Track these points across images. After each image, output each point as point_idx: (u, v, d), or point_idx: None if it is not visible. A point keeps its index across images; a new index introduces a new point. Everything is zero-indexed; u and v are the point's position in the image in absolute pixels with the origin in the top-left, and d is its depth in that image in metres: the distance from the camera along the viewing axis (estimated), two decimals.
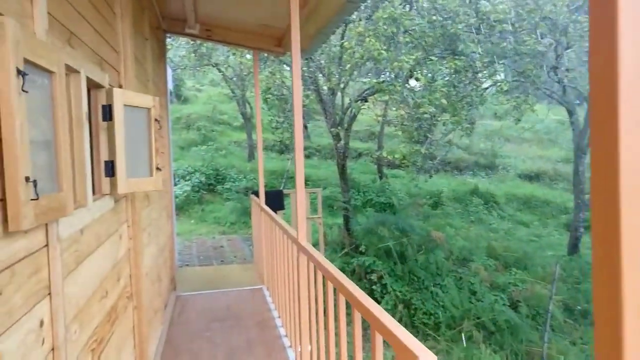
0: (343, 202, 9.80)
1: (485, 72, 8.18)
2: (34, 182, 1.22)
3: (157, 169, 2.73)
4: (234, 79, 14.01)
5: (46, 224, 1.43)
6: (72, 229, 1.68)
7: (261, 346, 3.79)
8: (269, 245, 4.86)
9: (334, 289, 2.34)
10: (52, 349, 1.44)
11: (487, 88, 8.80)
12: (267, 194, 6.03)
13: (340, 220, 10.16)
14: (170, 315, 4.52)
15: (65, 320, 1.56)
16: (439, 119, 8.00)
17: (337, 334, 2.23)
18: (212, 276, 6.33)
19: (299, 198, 3.17)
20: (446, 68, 8.42)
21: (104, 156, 2.28)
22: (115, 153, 2.28)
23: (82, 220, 1.82)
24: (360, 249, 8.88)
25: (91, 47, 2.12)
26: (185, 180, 12.20)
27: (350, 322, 2.07)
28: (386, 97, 7.45)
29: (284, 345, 3.79)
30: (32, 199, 1.21)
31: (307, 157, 15.84)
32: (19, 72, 1.18)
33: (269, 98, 9.41)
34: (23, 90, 1.19)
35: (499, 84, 8.73)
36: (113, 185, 2.30)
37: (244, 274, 6.32)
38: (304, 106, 9.15)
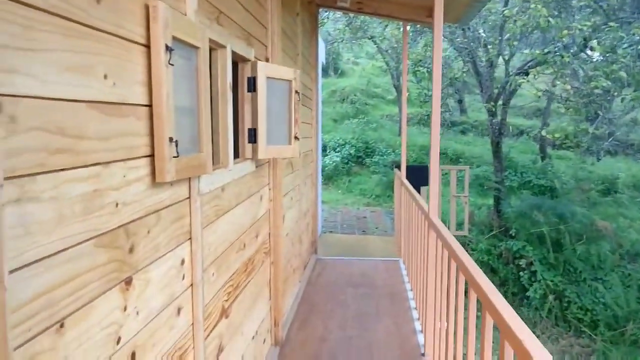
0: (495, 181, 9.27)
1: None
2: (176, 142, 1.44)
3: (296, 137, 2.93)
4: (389, 51, 13.95)
5: (189, 179, 1.68)
6: (212, 185, 1.93)
7: (390, 315, 3.88)
8: (406, 219, 4.88)
9: (456, 268, 2.30)
10: (191, 285, 1.70)
11: None
12: (409, 168, 6.00)
13: (490, 201, 9.65)
14: (309, 275, 4.85)
15: (203, 263, 1.82)
16: (615, 94, 7.01)
17: (466, 318, 2.17)
18: (352, 244, 6.58)
19: (433, 173, 3.13)
20: (632, 34, 7.29)
21: (248, 124, 2.53)
22: (257, 121, 2.51)
23: (222, 179, 2.07)
24: (510, 232, 8.36)
25: (239, 23, 2.35)
26: (336, 152, 12.67)
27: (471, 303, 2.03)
28: (550, 70, 6.73)
29: (412, 318, 3.83)
30: (174, 157, 1.43)
31: (462, 132, 15.20)
32: (167, 48, 1.39)
33: (418, 71, 9.21)
34: (170, 64, 1.40)
35: None
36: (254, 151, 2.54)
37: (383, 246, 6.44)
38: (456, 79, 8.77)
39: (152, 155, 1.39)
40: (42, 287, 0.92)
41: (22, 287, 0.87)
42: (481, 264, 7.60)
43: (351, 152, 12.61)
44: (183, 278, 1.64)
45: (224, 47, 2.04)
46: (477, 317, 1.94)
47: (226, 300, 2.15)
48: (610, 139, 8.12)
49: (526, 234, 7.71)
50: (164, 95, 1.38)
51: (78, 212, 1.04)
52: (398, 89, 14.72)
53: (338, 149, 12.83)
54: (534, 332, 1.56)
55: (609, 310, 6.61)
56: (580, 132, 7.10)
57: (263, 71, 2.53)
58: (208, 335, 1.89)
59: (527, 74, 7.52)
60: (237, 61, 2.44)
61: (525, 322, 1.44)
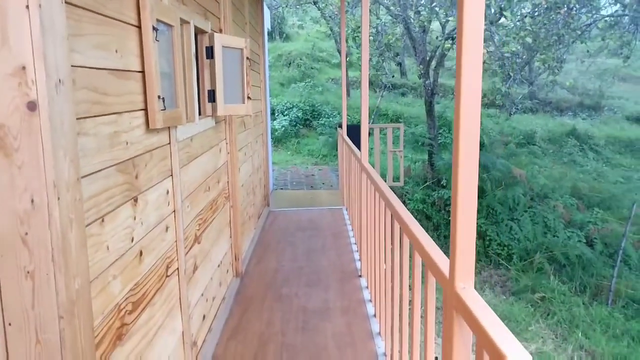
0: (429, 138, 10.09)
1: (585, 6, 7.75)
2: (163, 99, 1.93)
3: (248, 97, 3.42)
4: (332, 17, 14.33)
5: (169, 128, 2.17)
6: (184, 135, 2.42)
7: (333, 250, 4.54)
8: (347, 170, 5.51)
9: (379, 198, 2.92)
10: (174, 211, 2.22)
11: (590, 24, 8.33)
12: (350, 127, 6.61)
13: (425, 156, 10.51)
14: (263, 224, 5.43)
15: (181, 196, 2.33)
16: (523, 57, 7.85)
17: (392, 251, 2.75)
18: (301, 198, 7.19)
19: (363, 128, 3.73)
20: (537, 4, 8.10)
21: (208, 86, 3.00)
22: (215, 84, 2.99)
23: (191, 131, 2.56)
24: (442, 182, 9.25)
25: (198, 1, 2.79)
26: (284, 115, 13.11)
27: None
28: None
29: (352, 251, 4.50)
30: (161, 110, 1.92)
31: (402, 95, 15.98)
32: (153, 28, 1.85)
33: (357, 37, 9.73)
34: (156, 40, 1.87)
35: (604, 18, 8.22)
36: (214, 109, 3.03)
37: (329, 198, 7.09)
38: (390, 44, 9.36)
39: (145, 109, 1.87)
40: (93, 192, 1.43)
41: (85, 188, 1.37)
42: (417, 212, 8.44)
43: (299, 115, 13.10)
44: (168, 204, 2.15)
45: (188, 23, 2.50)
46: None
47: (198, 230, 2.68)
48: (530, 98, 9.05)
49: None
50: (153, 64, 1.86)
51: (106, 145, 1.54)
52: (342, 53, 15.20)
53: (286, 112, 13.27)
54: None
55: (521, 244, 7.65)
56: (494, 91, 7.92)
57: (219, 41, 2.99)
58: (187, 253, 2.42)
59: (453, 38, 8.22)
60: (197, 33, 2.89)
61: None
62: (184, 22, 2.44)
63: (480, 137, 9.46)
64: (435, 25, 10.07)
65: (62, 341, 1.19)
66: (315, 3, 13.52)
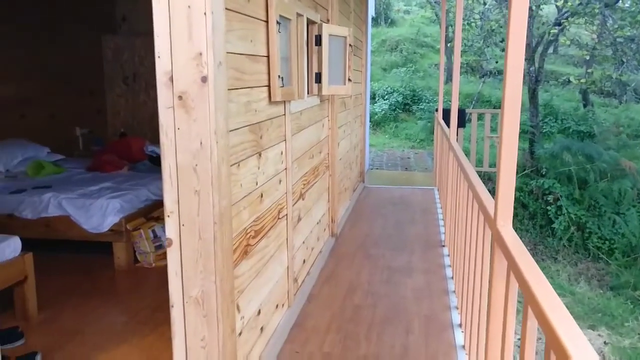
0: (530, 126, 9.87)
1: None
2: (282, 78, 2.46)
3: (349, 80, 3.90)
4: (438, 2, 14.27)
5: (284, 102, 2.71)
6: (296, 109, 2.96)
7: (421, 223, 4.91)
8: (440, 151, 5.80)
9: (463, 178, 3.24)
10: (285, 168, 2.77)
11: None
12: (445, 111, 6.83)
13: (525, 144, 10.29)
14: (357, 197, 5.92)
15: (291, 157, 2.87)
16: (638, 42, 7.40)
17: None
18: (395, 178, 7.57)
19: (453, 111, 4.05)
20: None
21: (315, 69, 3.51)
22: (321, 67, 3.49)
23: (301, 106, 3.10)
24: (541, 171, 9.07)
25: None
26: (384, 99, 13.44)
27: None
28: (581, 20, 7.19)
29: (439, 225, 4.84)
30: (280, 87, 2.45)
31: None
32: (277, 22, 2.38)
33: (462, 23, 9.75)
34: (279, 32, 2.40)
35: None
36: (319, 89, 3.54)
37: (422, 179, 7.39)
38: (492, 30, 9.25)
39: (269, 85, 2.42)
40: (234, 143, 1.99)
41: (230, 139, 1.93)
42: (514, 200, 8.37)
43: (399, 99, 13.35)
44: (282, 163, 2.70)
45: (302, 16, 3.01)
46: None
47: (303, 188, 3.22)
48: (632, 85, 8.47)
49: (555, 173, 8.41)
50: (276, 50, 2.39)
51: (243, 111, 2.09)
52: (447, 38, 15.09)
53: (386, 96, 13.58)
54: (555, 259, 2.32)
55: (625, 239, 7.33)
56: (605, 78, 7.58)
57: (326, 31, 3.48)
58: (293, 205, 2.97)
59: (560, 24, 7.97)
60: (308, 24, 3.40)
61: (549, 250, 2.37)
62: (299, 15, 2.95)
63: (589, 125, 9.12)
64: (544, 10, 9.74)
65: (214, 240, 1.76)
66: None
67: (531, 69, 9.10)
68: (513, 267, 1.44)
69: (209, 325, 1.79)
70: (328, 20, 3.91)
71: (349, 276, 3.60)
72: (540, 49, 9.21)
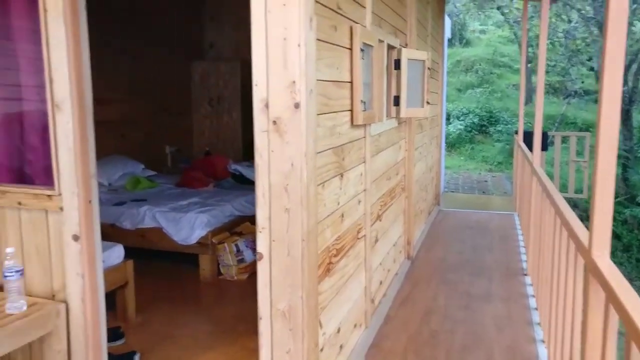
0: (623, 150, 9.27)
1: None
2: (364, 102, 2.56)
3: (427, 102, 3.93)
4: (517, 21, 13.91)
5: (365, 125, 2.80)
6: (375, 131, 3.05)
7: (500, 249, 4.77)
8: (520, 175, 5.62)
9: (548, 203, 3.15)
10: (364, 190, 2.85)
11: None
12: (526, 134, 6.62)
13: (618, 170, 9.65)
14: (433, 219, 5.86)
15: (370, 179, 2.95)
16: None
17: None
18: (471, 201, 7.40)
19: (536, 133, 3.95)
20: None
21: (393, 92, 3.59)
22: (400, 90, 3.56)
23: (380, 128, 3.18)
24: (636, 199, 8.46)
25: (390, 23, 3.40)
26: (459, 120, 13.21)
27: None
28: None
29: (520, 252, 4.67)
30: (362, 111, 2.55)
31: (594, 102, 14.67)
32: (360, 49, 2.49)
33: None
34: (362, 59, 2.51)
35: None
36: (398, 112, 3.61)
37: (501, 203, 7.17)
38: (578, 50, 8.85)
39: (351, 110, 2.52)
40: (320, 164, 2.10)
41: (317, 161, 2.05)
42: None
43: (474, 120, 13.07)
44: (361, 184, 2.79)
45: (382, 42, 3.12)
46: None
47: (380, 209, 3.28)
48: None
49: None
50: (359, 76, 2.50)
51: (328, 134, 2.21)
52: (526, 58, 14.62)
53: (462, 117, 13.35)
54: None
55: None
56: None
57: (405, 55, 3.56)
58: (371, 225, 3.04)
59: None
60: (388, 49, 3.50)
61: None
62: (380, 41, 3.06)
63: None
64: (637, 27, 9.21)
65: (302, 256, 1.87)
66: (498, 8, 13.32)
67: (624, 88, 8.58)
68: (612, 299, 1.39)
69: (295, 338, 1.88)
70: (406, 45, 3.99)
71: (426, 300, 3.58)
72: (634, 67, 8.69)
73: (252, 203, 4.49)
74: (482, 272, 4.14)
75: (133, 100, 5.86)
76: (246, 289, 3.65)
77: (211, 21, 7.09)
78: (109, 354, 2.41)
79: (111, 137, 5.54)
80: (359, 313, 2.77)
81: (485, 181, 9.53)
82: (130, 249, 3.55)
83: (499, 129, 12.69)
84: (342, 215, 2.44)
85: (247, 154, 6.63)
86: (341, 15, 2.29)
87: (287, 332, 1.90)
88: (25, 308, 2.19)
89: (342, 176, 2.41)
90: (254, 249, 3.96)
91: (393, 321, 3.23)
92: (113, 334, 2.77)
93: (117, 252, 3.00)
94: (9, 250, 2.18)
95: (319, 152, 2.07)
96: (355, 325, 2.71)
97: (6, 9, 2.38)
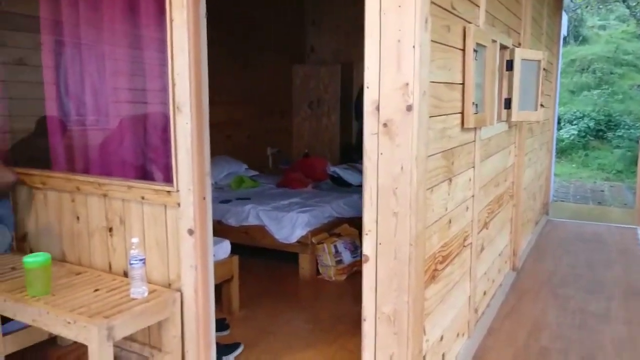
0: None
1: None
2: (476, 105, 2.46)
3: (541, 105, 3.68)
4: None
5: (475, 129, 2.68)
6: (485, 135, 2.91)
7: (619, 265, 4.34)
8: None
9: None
10: (472, 196, 2.73)
11: None
12: None
13: None
14: (540, 230, 5.48)
15: (477, 184, 2.82)
16: None
17: None
18: (584, 212, 6.82)
19: None
20: None
21: (504, 94, 3.40)
22: (512, 93, 3.37)
23: (490, 132, 3.03)
24: None
25: (503, 21, 3.23)
26: (572, 125, 12.24)
27: None
28: None
29: None
30: (474, 113, 2.45)
31: None
32: (474, 50, 2.40)
33: None
34: (475, 59, 2.41)
35: None
36: (508, 115, 3.41)
37: (620, 216, 6.52)
38: None
39: (462, 112, 2.43)
40: (429, 168, 2.04)
41: (429, 164, 1.99)
42: None
43: (590, 125, 12.03)
44: (469, 190, 2.67)
45: (495, 42, 2.97)
46: None
47: (487, 217, 3.13)
48: None
49: None
50: (471, 77, 2.40)
51: (438, 137, 2.14)
52: None
53: (575, 121, 12.36)
54: None
55: None
56: None
57: (518, 55, 3.36)
58: (478, 233, 2.90)
59: None
60: (500, 49, 3.33)
61: None
62: (493, 41, 2.92)
63: None
64: None
65: (409, 260, 1.83)
66: (624, 1, 12.16)
67: None
68: None
69: (399, 342, 1.85)
70: (519, 44, 3.77)
71: (533, 314, 3.35)
72: None
73: (351, 206, 4.51)
74: (599, 290, 3.79)
75: (239, 103, 6.16)
76: (344, 290, 3.67)
77: (312, 25, 7.25)
78: (216, 343, 2.54)
79: (218, 138, 5.86)
80: (462, 322, 2.67)
81: (602, 191, 8.72)
82: (234, 244, 3.73)
83: (620, 134, 11.54)
84: (450, 222, 2.36)
85: (345, 156, 6.68)
86: (455, 15, 2.21)
87: (392, 335, 1.87)
88: (146, 294, 2.38)
89: (450, 181, 2.33)
90: (352, 251, 3.98)
91: (497, 333, 3.06)
92: (219, 325, 2.92)
93: (225, 248, 3.16)
94: (134, 240, 2.38)
95: (430, 156, 2.01)
96: (458, 335, 2.61)
97: (136, 20, 2.62)
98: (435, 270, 2.18)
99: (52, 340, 2.81)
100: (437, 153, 2.12)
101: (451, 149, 2.31)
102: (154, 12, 2.50)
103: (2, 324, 2.55)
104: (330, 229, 4.16)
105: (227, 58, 5.94)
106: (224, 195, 4.71)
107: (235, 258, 3.23)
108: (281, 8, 6.70)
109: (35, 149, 3.23)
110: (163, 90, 2.50)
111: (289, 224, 3.94)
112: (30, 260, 2.37)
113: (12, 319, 2.48)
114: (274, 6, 6.52)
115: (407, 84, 1.77)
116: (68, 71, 2.94)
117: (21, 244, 3.14)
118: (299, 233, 3.89)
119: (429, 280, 2.10)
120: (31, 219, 3.06)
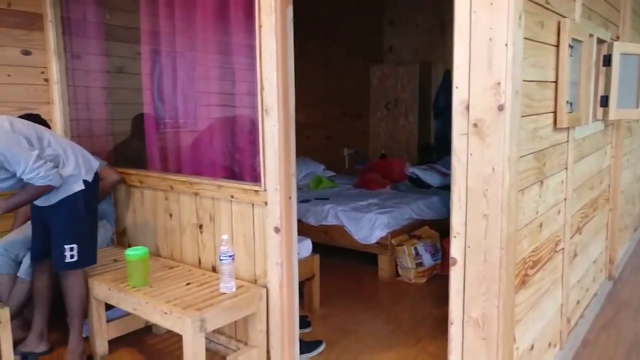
0: None
1: None
2: (570, 103, 2.33)
3: None
4: None
5: (568, 128, 2.54)
6: (579, 135, 2.75)
7: None
8: None
9: None
10: (565, 199, 2.59)
11: None
12: None
13: None
14: (639, 237, 5.07)
15: (569, 187, 2.67)
16: None
17: None
18: None
19: None
20: None
21: (600, 92, 3.19)
22: (609, 90, 3.15)
23: (584, 132, 2.86)
24: None
25: (600, 14, 3.03)
26: None
27: None
28: None
29: None
30: (568, 112, 2.33)
31: None
32: (569, 46, 2.27)
33: None
34: (570, 56, 2.29)
35: None
36: (605, 113, 3.20)
37: None
38: None
39: (554, 111, 2.32)
40: (521, 169, 1.97)
41: (520, 165, 1.92)
42: None
43: None
44: (561, 192, 2.54)
45: (592, 36, 2.79)
46: None
47: (580, 221, 2.95)
48: None
49: None
50: (565, 75, 2.28)
51: (530, 138, 2.05)
52: None
53: None
54: None
55: None
56: None
57: (617, 49, 3.14)
58: (571, 238, 2.75)
59: None
60: (597, 43, 3.13)
61: None
62: (589, 36, 2.75)
63: None
64: None
65: (500, 264, 1.78)
66: None
67: None
68: None
69: (488, 348, 1.80)
70: (618, 38, 3.52)
71: (635, 328, 3.11)
72: None
73: (431, 207, 4.44)
74: None
75: (317, 104, 6.26)
76: (424, 292, 3.61)
77: (390, 25, 7.20)
78: (299, 340, 2.61)
79: (298, 139, 5.97)
80: (553, 332, 2.54)
81: None
82: (313, 243, 3.79)
83: None
84: (541, 225, 2.26)
85: (423, 157, 6.57)
86: (549, 10, 2.12)
87: (480, 341, 1.82)
88: (234, 289, 2.49)
89: (542, 183, 2.23)
90: (432, 254, 3.91)
91: (593, 347, 2.88)
92: (301, 322, 2.98)
93: (306, 246, 3.23)
94: (224, 237, 2.50)
95: (521, 157, 1.94)
96: (549, 345, 2.48)
97: (227, 28, 2.75)
98: (526, 275, 2.10)
99: (148, 329, 3.02)
100: (528, 154, 2.04)
101: (543, 149, 2.21)
102: (242, 19, 2.62)
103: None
104: (409, 230, 4.11)
105: (307, 60, 6.05)
106: (303, 195, 4.81)
107: (317, 257, 3.29)
108: (359, 9, 6.72)
109: (133, 150, 3.49)
110: (251, 94, 2.61)
111: (368, 225, 3.95)
112: (132, 253, 2.57)
113: (113, 307, 2.70)
114: (352, 7, 6.56)
115: (499, 83, 1.72)
116: (163, 78, 3.15)
117: (120, 238, 3.40)
118: (378, 234, 3.89)
119: (519, 286, 2.02)
120: (129, 215, 3.31)
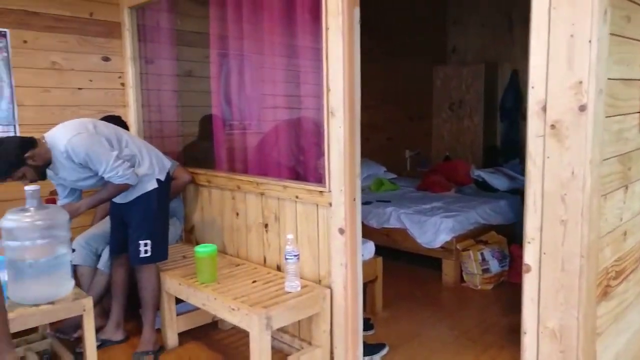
0: None
1: None
2: None
3: None
4: None
5: None
6: None
7: None
8: None
9: None
10: None
11: None
12: None
13: None
14: None
15: None
16: None
17: None
18: None
19: None
20: None
21: None
22: None
23: None
24: None
25: None
26: None
27: None
28: None
29: None
30: None
31: None
32: None
33: None
34: None
35: None
36: None
37: None
38: None
39: (638, 112, 2.17)
40: (604, 173, 1.85)
41: (602, 169, 1.81)
42: None
43: None
44: None
45: None
46: None
47: None
48: None
49: None
50: None
51: (614, 140, 1.92)
52: None
53: None
54: None
55: None
56: None
57: None
58: None
59: None
60: None
61: None
62: None
63: None
64: None
65: (580, 273, 1.68)
66: None
67: None
68: None
69: None
70: None
71: None
72: None
73: (498, 212, 4.29)
74: None
75: (379, 106, 6.21)
76: (491, 299, 3.49)
77: (454, 25, 7.03)
78: (362, 342, 2.59)
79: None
80: (638, 348, 2.37)
81: None
82: (375, 246, 3.77)
83: None
84: (625, 234, 2.12)
85: (488, 159, 6.36)
86: (636, 3, 1.98)
87: (557, 353, 1.73)
88: (299, 289, 2.52)
89: (626, 188, 2.09)
90: (500, 260, 3.78)
91: None
92: (364, 324, 2.97)
93: (370, 248, 3.21)
94: (289, 236, 2.54)
95: (604, 160, 1.83)
96: None
97: (293, 30, 2.78)
98: (608, 286, 1.97)
99: (214, 324, 3.12)
100: (612, 157, 1.91)
101: (628, 152, 2.07)
102: (309, 21, 2.65)
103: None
104: (475, 235, 3.99)
105: (369, 61, 6.02)
106: (364, 197, 4.77)
107: (380, 259, 3.26)
108: (422, 9, 6.61)
109: (201, 151, 3.62)
110: (316, 96, 2.63)
111: (432, 229, 3.87)
112: (201, 250, 2.66)
113: (182, 301, 2.81)
114: (415, 7, 6.46)
115: (581, 82, 1.63)
116: (231, 80, 3.25)
117: (188, 235, 3.54)
118: (442, 238, 3.80)
119: (600, 297, 1.90)
120: (197, 213, 3.43)
